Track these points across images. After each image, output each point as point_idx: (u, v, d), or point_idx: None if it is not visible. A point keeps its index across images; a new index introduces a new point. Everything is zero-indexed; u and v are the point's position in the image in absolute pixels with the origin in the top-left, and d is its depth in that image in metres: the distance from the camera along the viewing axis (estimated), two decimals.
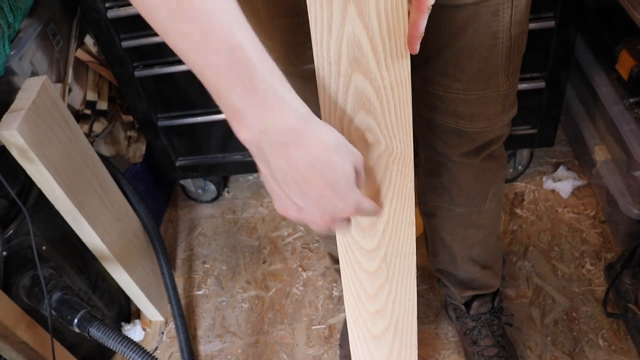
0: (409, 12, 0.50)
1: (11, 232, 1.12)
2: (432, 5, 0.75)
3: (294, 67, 0.82)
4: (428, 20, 0.77)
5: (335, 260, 1.16)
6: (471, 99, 0.87)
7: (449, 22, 0.78)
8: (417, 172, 1.08)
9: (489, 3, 0.75)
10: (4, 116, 1.04)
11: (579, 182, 1.60)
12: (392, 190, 0.65)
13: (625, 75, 1.29)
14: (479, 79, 0.84)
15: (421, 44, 0.80)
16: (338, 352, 1.38)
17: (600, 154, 1.46)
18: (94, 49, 1.48)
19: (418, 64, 0.85)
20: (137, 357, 0.98)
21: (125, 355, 0.99)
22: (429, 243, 1.23)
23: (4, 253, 1.11)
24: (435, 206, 1.12)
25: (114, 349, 1.01)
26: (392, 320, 0.82)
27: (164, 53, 1.38)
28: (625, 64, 1.29)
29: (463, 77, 0.84)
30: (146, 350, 0.99)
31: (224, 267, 1.62)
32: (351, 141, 0.57)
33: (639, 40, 1.29)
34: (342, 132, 0.57)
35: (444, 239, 1.16)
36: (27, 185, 1.18)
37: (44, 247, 1.21)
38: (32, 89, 1.09)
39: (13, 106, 1.06)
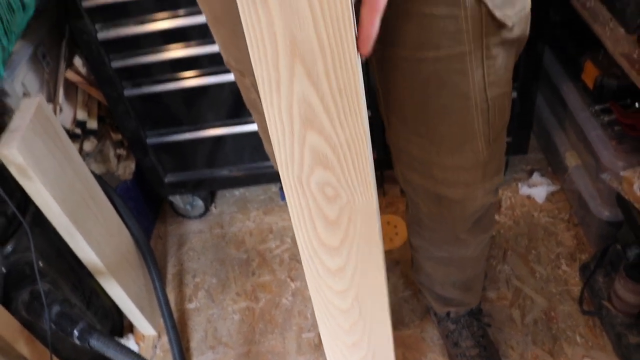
0: (360, 12, 0.47)
1: (10, 248, 1.15)
2: (401, 56, 0.74)
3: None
4: (397, 74, 0.80)
5: None
6: (446, 163, 0.84)
7: (413, 75, 0.76)
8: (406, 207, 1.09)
9: (452, 60, 0.73)
10: (3, 135, 1.08)
11: (552, 188, 1.68)
12: (358, 239, 0.64)
13: (590, 84, 1.38)
14: (453, 142, 0.81)
15: (393, 99, 0.80)
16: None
17: (571, 160, 1.54)
18: (83, 70, 1.52)
19: (394, 121, 0.85)
20: None
21: None
22: (412, 258, 1.25)
23: (3, 269, 1.14)
24: (418, 245, 1.13)
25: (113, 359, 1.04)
26: (369, 352, 0.81)
27: (152, 72, 1.43)
28: (590, 74, 1.38)
29: (435, 138, 0.82)
30: (146, 359, 1.03)
31: (214, 280, 1.66)
32: (311, 195, 0.58)
33: (601, 51, 1.37)
34: (301, 186, 0.57)
35: (425, 268, 1.18)
36: (23, 202, 1.21)
37: (40, 264, 1.23)
38: (28, 109, 1.13)
39: (11, 126, 1.10)
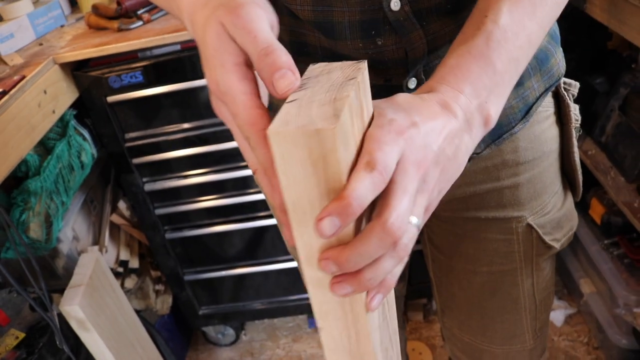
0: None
1: None
2: (457, 266, 0.81)
3: None
4: (451, 277, 0.83)
5: None
6: (495, 352, 0.88)
7: (468, 282, 0.81)
8: None
9: (504, 274, 0.77)
10: (65, 292, 1.18)
11: (570, 311, 1.75)
12: None
13: (597, 220, 1.48)
14: (503, 336, 0.85)
15: (447, 293, 0.87)
16: None
17: (585, 287, 1.62)
18: (126, 213, 1.65)
19: (447, 310, 0.92)
20: None
21: None
22: None
23: None
24: None
25: None
26: None
27: (190, 218, 1.56)
28: (596, 210, 1.49)
29: (486, 333, 0.86)
30: None
31: None
32: None
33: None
34: None
35: None
36: (76, 348, 1.30)
37: None
38: (87, 265, 1.25)
39: (73, 281, 1.21)
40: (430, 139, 0.41)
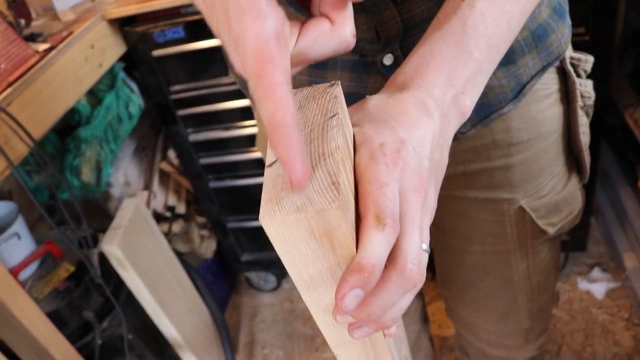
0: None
1: (106, 324, 1.35)
2: (450, 242, 0.81)
3: None
4: (446, 253, 0.83)
5: None
6: (489, 328, 0.88)
7: (461, 259, 0.81)
8: None
9: (496, 254, 0.76)
10: (107, 233, 1.29)
11: (613, 284, 1.70)
12: None
13: None
14: (497, 314, 0.85)
15: (443, 267, 0.87)
16: None
17: (629, 261, 1.56)
18: (175, 161, 1.75)
19: (442, 280, 0.92)
20: None
21: None
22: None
23: (99, 341, 1.34)
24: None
25: None
26: None
27: (234, 168, 1.63)
28: None
29: (479, 309, 0.86)
30: None
31: (281, 353, 1.80)
32: None
33: None
34: None
35: None
36: (118, 285, 1.42)
37: (129, 337, 1.43)
38: (128, 209, 1.35)
39: (114, 224, 1.31)
40: (420, 153, 0.40)
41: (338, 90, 0.38)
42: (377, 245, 0.34)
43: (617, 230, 1.66)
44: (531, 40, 0.63)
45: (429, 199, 0.40)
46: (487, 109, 0.64)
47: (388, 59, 0.61)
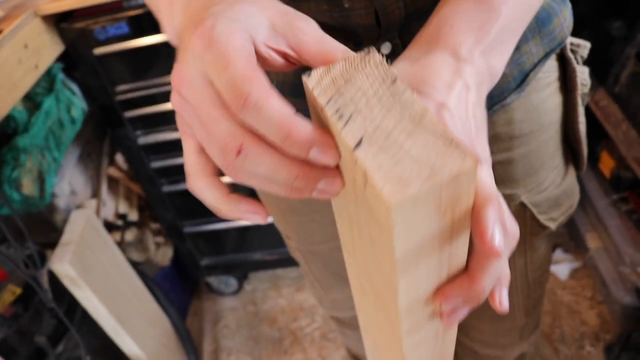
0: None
1: (61, 348, 1.24)
2: None
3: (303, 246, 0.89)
4: None
5: (353, 355, 1.25)
6: (483, 328, 0.86)
7: None
8: None
9: None
10: (56, 250, 1.18)
11: (575, 264, 1.72)
12: None
13: (607, 174, 1.43)
14: (492, 314, 0.82)
15: None
16: None
17: (591, 242, 1.58)
18: (124, 166, 1.64)
19: None
20: None
21: None
22: None
23: None
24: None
25: None
26: None
27: None
28: (606, 164, 1.43)
29: (474, 309, 0.87)
30: None
31: (248, 359, 1.73)
32: None
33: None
34: None
35: None
36: (72, 304, 1.31)
37: (88, 358, 1.32)
38: (78, 222, 1.24)
39: (63, 239, 1.20)
40: (462, 114, 0.38)
41: (378, 57, 0.34)
42: (493, 272, 0.34)
43: (578, 211, 1.67)
44: (535, 25, 0.59)
45: (484, 156, 0.39)
46: (489, 100, 0.60)
47: (386, 48, 0.56)
